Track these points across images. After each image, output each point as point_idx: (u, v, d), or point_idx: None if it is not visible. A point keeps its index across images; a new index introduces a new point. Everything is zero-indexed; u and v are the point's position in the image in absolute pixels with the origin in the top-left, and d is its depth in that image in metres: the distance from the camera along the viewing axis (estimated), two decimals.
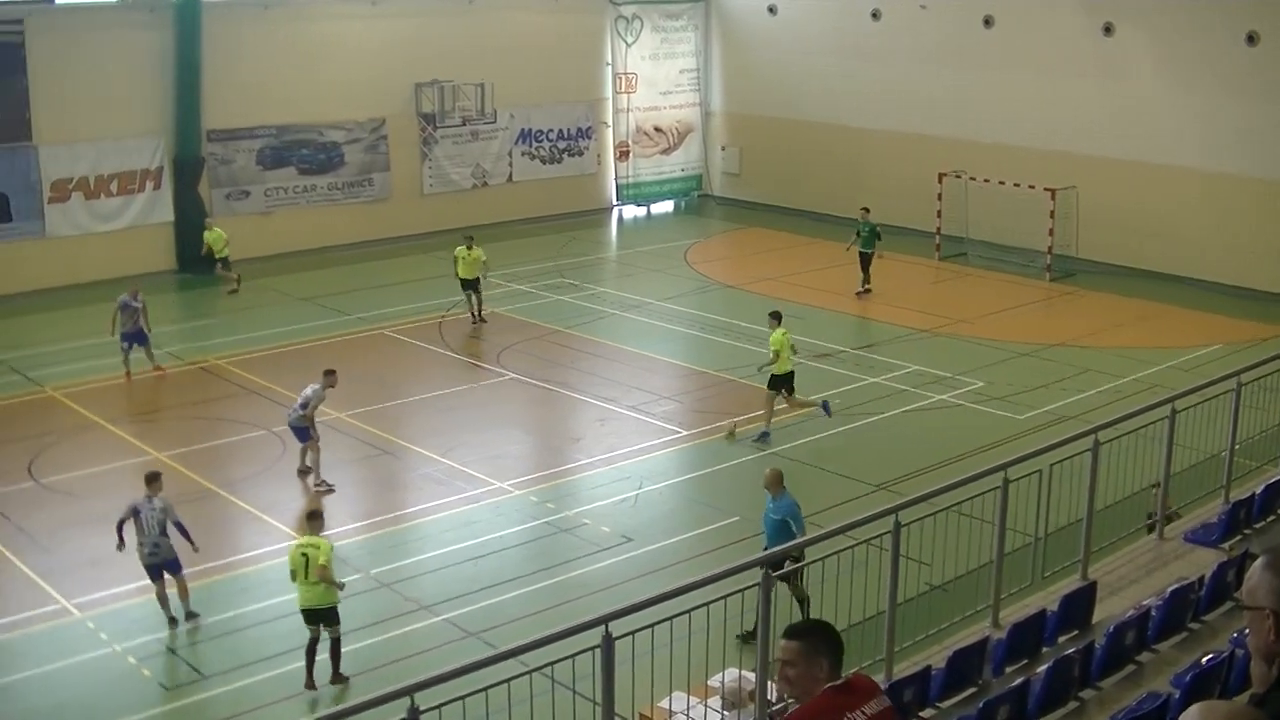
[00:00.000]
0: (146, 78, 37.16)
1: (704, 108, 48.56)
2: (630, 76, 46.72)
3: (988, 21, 40.01)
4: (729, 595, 11.32)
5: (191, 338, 31.67)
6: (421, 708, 8.85)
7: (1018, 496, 13.20)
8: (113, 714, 16.11)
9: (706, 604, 11.12)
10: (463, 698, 9.39)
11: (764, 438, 24.68)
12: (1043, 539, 14.36)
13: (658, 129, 47.67)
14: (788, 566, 14.31)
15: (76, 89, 36.01)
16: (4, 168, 35.57)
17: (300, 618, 16.84)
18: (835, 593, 12.44)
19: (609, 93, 46.70)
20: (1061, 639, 12.79)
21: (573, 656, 10.14)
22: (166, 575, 18.19)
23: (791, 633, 6.56)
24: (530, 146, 45.04)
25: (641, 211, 47.36)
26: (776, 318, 25.44)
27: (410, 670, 15.01)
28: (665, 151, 48.01)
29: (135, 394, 27.64)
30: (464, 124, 42.75)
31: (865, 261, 34.82)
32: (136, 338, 28.61)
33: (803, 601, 16.41)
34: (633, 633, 10.13)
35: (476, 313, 32.59)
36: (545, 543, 20.99)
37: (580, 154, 46.21)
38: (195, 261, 37.48)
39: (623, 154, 46.93)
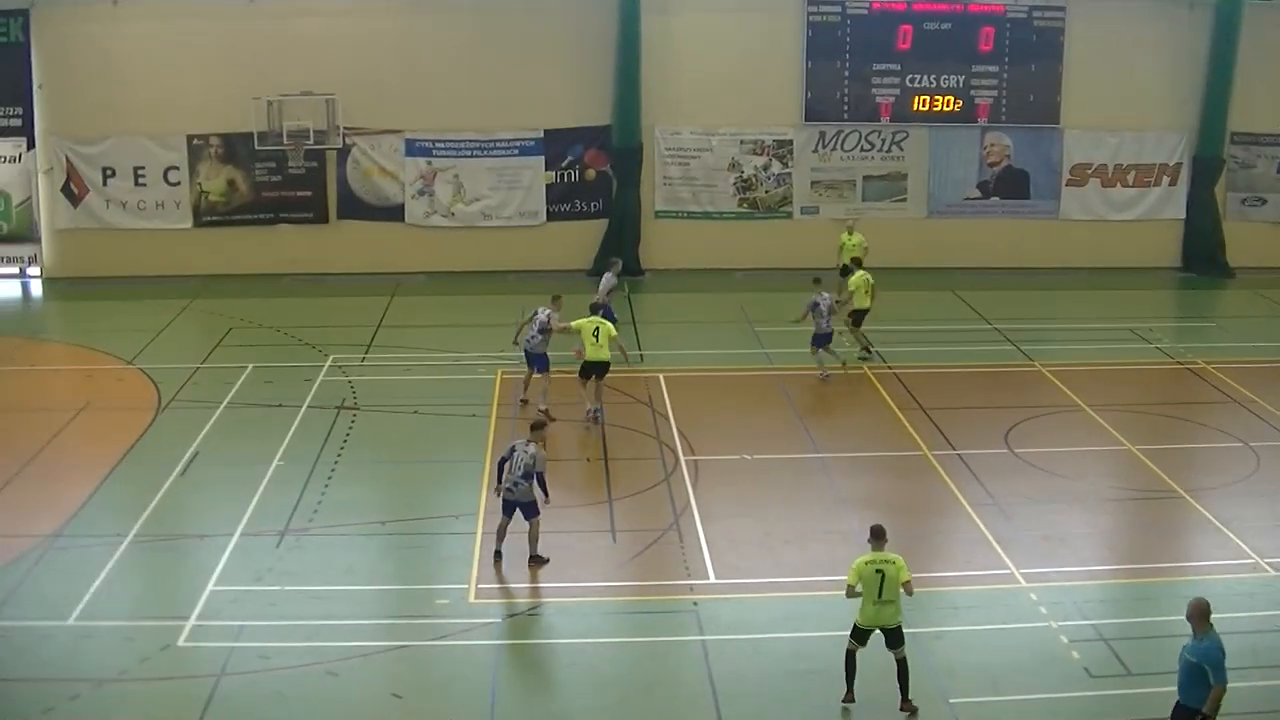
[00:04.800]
0: (1177, 73, 37.36)
1: None
2: None
3: None
4: None
5: (1186, 337, 31.38)
6: None
7: None
8: (1034, 686, 16.44)
9: None
10: None
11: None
12: None
13: None
14: None
15: (1107, 78, 37.04)
16: (1029, 148, 37.61)
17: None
18: None
19: None
20: None
21: None
22: (519, 515, 19.21)
23: None
24: None
25: None
26: None
27: None
28: None
29: (1120, 382, 27.86)
30: None
31: None
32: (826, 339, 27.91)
33: None
34: None
35: None
36: None
37: None
38: (1200, 262, 37.22)
39: None
